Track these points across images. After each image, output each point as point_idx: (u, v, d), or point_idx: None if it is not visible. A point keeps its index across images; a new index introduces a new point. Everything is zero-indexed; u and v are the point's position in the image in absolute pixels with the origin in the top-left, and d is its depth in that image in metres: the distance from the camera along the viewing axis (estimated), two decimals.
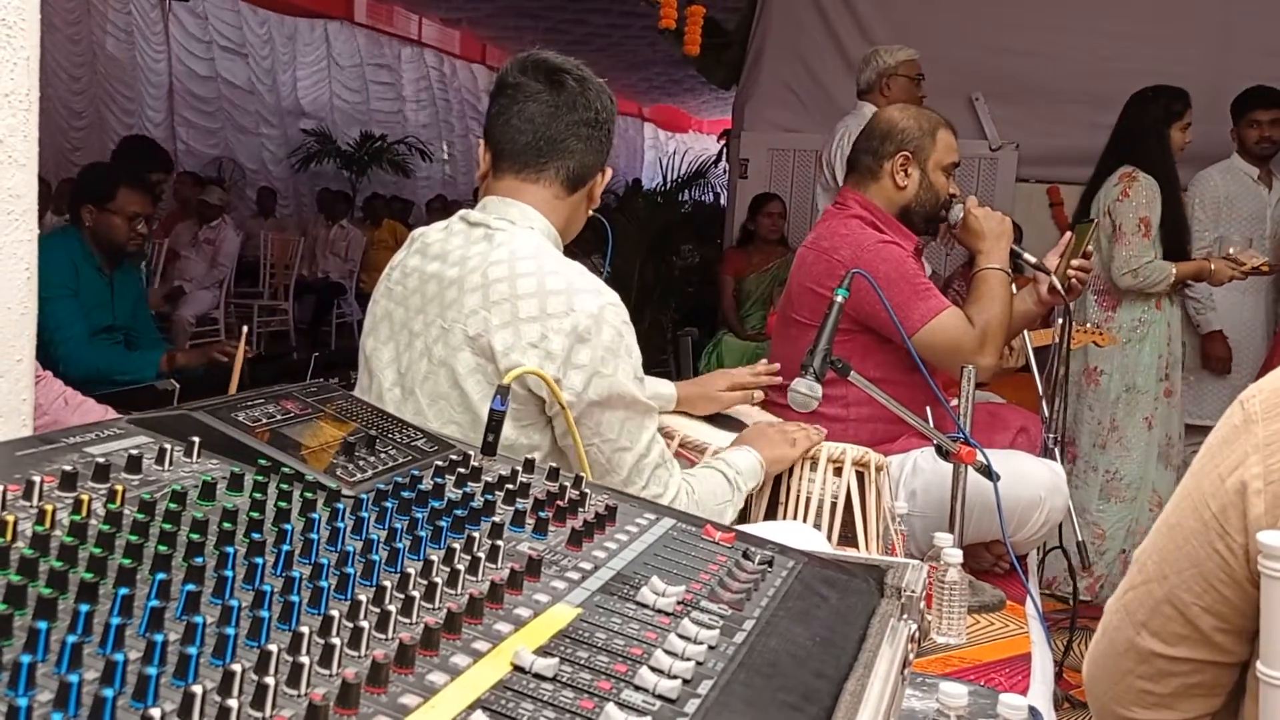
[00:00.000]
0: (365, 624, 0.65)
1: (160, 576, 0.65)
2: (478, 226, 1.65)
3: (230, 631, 0.60)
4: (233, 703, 0.53)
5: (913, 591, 0.94)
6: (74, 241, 3.40)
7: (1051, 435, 2.55)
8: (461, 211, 1.71)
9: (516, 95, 1.65)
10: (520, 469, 1.04)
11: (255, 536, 0.75)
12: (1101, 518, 3.93)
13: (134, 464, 0.83)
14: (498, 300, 1.53)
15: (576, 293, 1.54)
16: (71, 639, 0.55)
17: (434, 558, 0.78)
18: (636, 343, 1.61)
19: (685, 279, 7.49)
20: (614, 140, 1.74)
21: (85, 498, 0.73)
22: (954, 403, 2.15)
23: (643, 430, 1.61)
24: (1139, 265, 3.76)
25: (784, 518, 1.93)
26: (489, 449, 1.10)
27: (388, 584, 0.71)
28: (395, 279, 1.70)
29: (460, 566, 0.77)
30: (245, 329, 1.99)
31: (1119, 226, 3.79)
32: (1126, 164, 3.81)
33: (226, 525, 0.75)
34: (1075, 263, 2.49)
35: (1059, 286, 2.44)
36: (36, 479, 0.74)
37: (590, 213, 1.77)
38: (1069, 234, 2.56)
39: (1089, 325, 3.69)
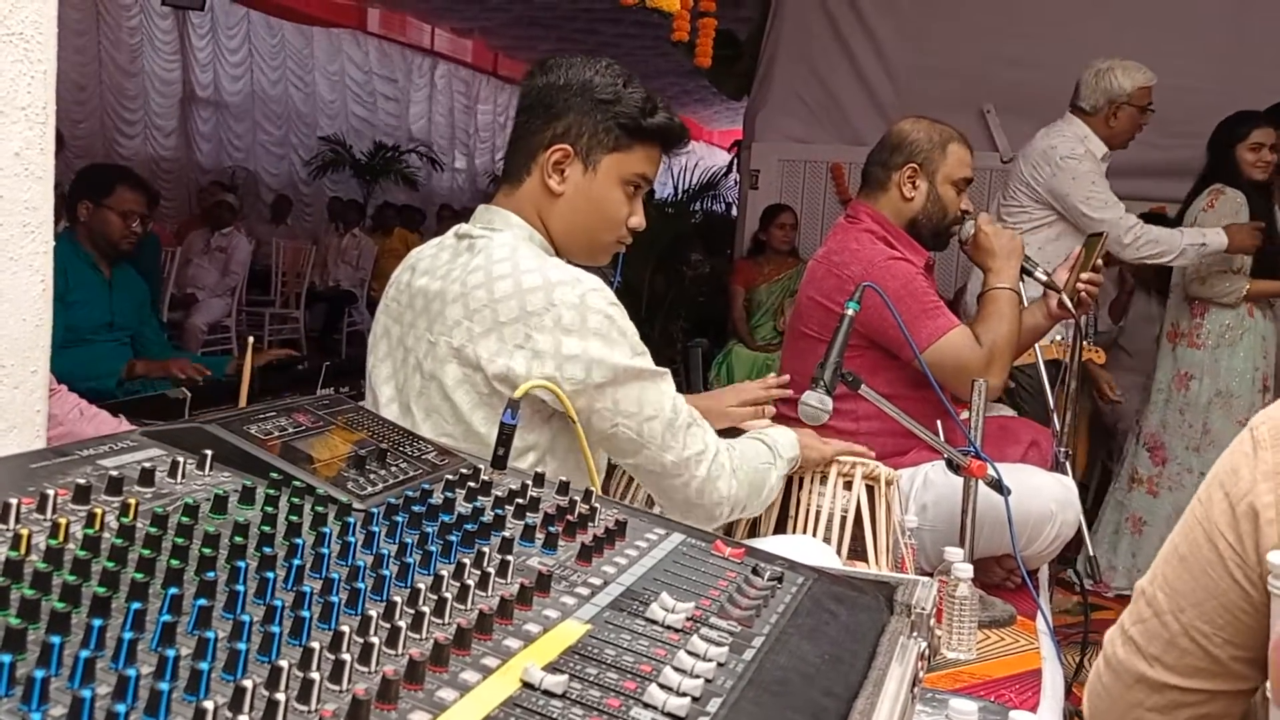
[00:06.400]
0: (375, 639, 0.65)
1: (172, 591, 0.65)
2: (464, 239, 1.66)
3: (242, 647, 0.61)
4: (244, 718, 0.54)
5: (923, 609, 0.94)
6: (64, 246, 3.40)
7: (1063, 449, 2.54)
8: (456, 226, 1.71)
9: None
10: (530, 483, 1.04)
11: (267, 550, 0.75)
12: None
13: (147, 477, 0.84)
14: (477, 308, 1.53)
15: (555, 285, 1.52)
16: (84, 653, 0.56)
17: (444, 573, 0.78)
18: (629, 321, 1.58)
19: (696, 289, 7.49)
20: (585, 108, 1.61)
21: (98, 511, 0.74)
22: (964, 416, 2.14)
23: (663, 396, 1.59)
24: (1208, 274, 3.83)
25: (794, 531, 1.92)
26: (499, 462, 1.10)
27: (398, 599, 0.72)
28: (392, 295, 1.71)
29: (470, 582, 0.77)
30: (252, 340, 1.99)
31: None
32: (1216, 183, 3.85)
33: (238, 539, 0.76)
34: (1084, 276, 2.48)
35: (1068, 302, 2.44)
36: (50, 492, 0.75)
37: (558, 188, 1.62)
38: (1078, 248, 2.56)
39: (1085, 343, 3.71)
